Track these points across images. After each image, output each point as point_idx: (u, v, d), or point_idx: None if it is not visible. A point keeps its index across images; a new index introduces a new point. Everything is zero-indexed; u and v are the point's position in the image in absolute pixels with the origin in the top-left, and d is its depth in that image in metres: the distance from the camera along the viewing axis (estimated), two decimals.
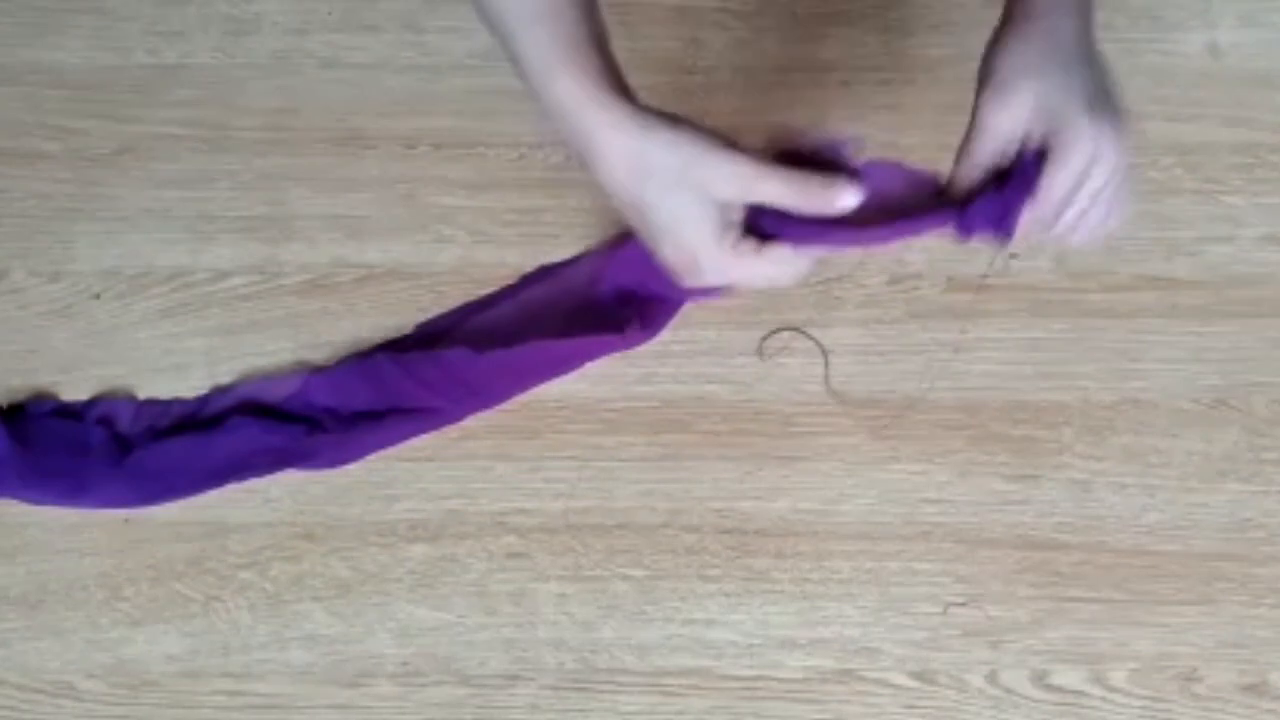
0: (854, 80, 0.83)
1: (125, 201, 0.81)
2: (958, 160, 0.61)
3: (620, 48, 0.82)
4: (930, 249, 0.78)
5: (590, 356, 0.76)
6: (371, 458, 0.75)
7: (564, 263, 0.79)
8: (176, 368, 0.77)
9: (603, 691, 0.71)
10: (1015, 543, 0.73)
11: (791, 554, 0.73)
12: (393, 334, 0.78)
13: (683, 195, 0.58)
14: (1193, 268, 0.78)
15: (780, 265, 0.60)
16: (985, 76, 0.60)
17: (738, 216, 0.59)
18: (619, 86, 0.59)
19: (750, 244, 0.59)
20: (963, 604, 0.72)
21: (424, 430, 0.75)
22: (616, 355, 0.76)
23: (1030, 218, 0.59)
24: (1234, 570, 0.72)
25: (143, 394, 0.77)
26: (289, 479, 0.74)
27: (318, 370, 0.76)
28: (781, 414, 0.75)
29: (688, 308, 0.77)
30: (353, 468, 0.75)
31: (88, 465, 0.74)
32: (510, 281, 0.79)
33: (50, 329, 0.78)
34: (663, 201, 0.58)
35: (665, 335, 0.77)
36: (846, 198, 0.58)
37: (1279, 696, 0.70)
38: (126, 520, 0.74)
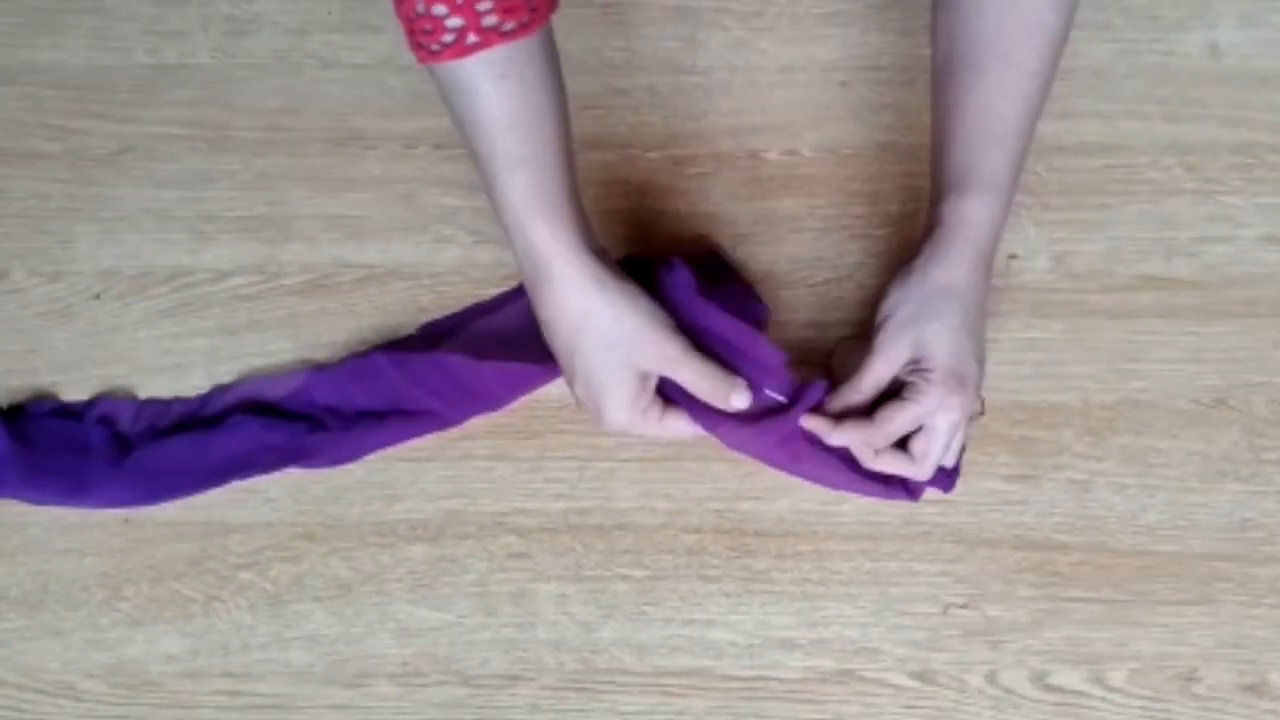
0: (854, 80, 0.83)
1: (125, 201, 0.81)
2: (853, 381, 0.68)
3: (620, 47, 0.83)
4: None
5: None
6: (371, 458, 0.75)
7: None
8: (176, 368, 0.77)
9: (603, 692, 0.71)
10: (1014, 543, 0.73)
11: (791, 554, 0.73)
12: (393, 334, 0.78)
13: (612, 358, 0.66)
14: (1192, 268, 0.78)
15: (670, 434, 0.69)
16: (889, 315, 0.67)
17: (653, 384, 0.68)
18: (587, 238, 0.66)
19: (656, 410, 0.68)
20: (962, 604, 0.72)
21: (425, 431, 0.75)
22: None
23: (859, 436, 0.67)
24: (1233, 570, 0.72)
25: (143, 394, 0.77)
26: (289, 479, 0.75)
27: (319, 368, 0.76)
28: None
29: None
30: (353, 468, 0.75)
31: (88, 465, 0.74)
32: (513, 283, 0.79)
33: (50, 329, 0.78)
34: (593, 356, 0.66)
35: None
36: (737, 400, 0.67)
37: (1279, 696, 0.70)
38: (126, 520, 0.74)
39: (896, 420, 0.67)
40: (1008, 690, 0.70)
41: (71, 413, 0.76)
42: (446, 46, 0.60)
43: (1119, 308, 0.77)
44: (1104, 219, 0.79)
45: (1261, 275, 0.78)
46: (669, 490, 0.74)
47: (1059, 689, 0.70)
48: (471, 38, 0.59)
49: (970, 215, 0.67)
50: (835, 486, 0.71)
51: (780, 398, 0.68)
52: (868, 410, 0.68)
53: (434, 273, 0.79)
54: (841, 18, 0.84)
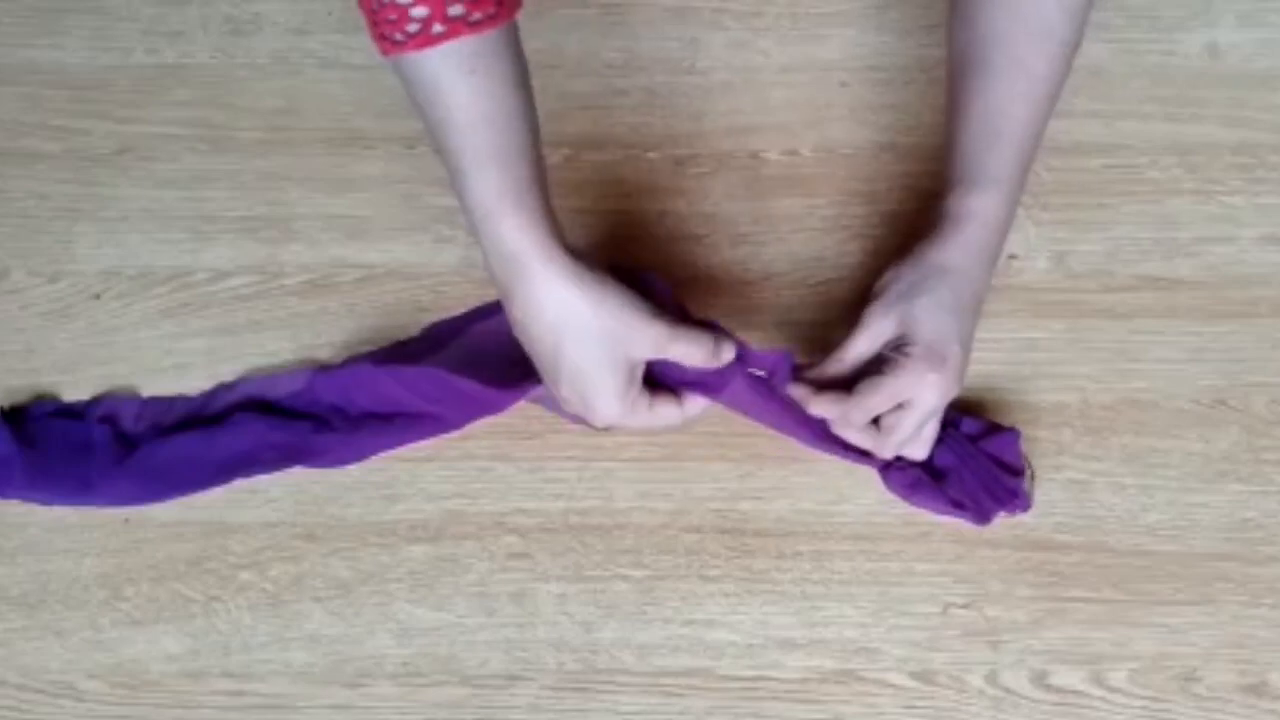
0: (854, 80, 0.83)
1: (125, 201, 0.81)
2: (837, 351, 0.69)
3: (620, 48, 0.83)
4: None
5: None
6: (372, 457, 0.75)
7: None
8: (177, 368, 0.77)
9: (603, 692, 0.71)
10: (1015, 543, 0.73)
11: (791, 554, 0.73)
12: (393, 334, 0.78)
13: (598, 350, 0.64)
14: (1192, 268, 0.78)
15: (660, 421, 0.68)
16: (880, 291, 0.69)
17: (640, 373, 0.66)
18: (556, 233, 0.64)
19: (645, 399, 0.67)
20: (962, 604, 0.72)
21: (431, 434, 0.74)
22: None
23: (838, 408, 0.68)
24: (1234, 570, 0.72)
25: (145, 394, 0.77)
26: (289, 479, 0.74)
27: (323, 368, 0.76)
28: None
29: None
30: (353, 468, 0.75)
31: (92, 464, 0.74)
32: None
33: (50, 329, 0.78)
34: (578, 351, 0.64)
35: None
36: (727, 353, 0.67)
37: (1279, 696, 0.70)
38: (126, 520, 0.74)
39: (872, 396, 0.67)
40: (1008, 690, 0.70)
41: (74, 413, 0.76)
42: (411, 36, 0.59)
43: (1119, 307, 0.77)
44: (1104, 219, 0.79)
45: (1261, 275, 0.78)
46: (669, 490, 0.74)
47: (1059, 689, 0.70)
48: (437, 27, 0.58)
49: (972, 207, 0.68)
50: (835, 453, 0.72)
51: (758, 372, 0.69)
52: (848, 385, 0.68)
53: (434, 273, 0.79)
54: (841, 18, 0.84)
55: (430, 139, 0.63)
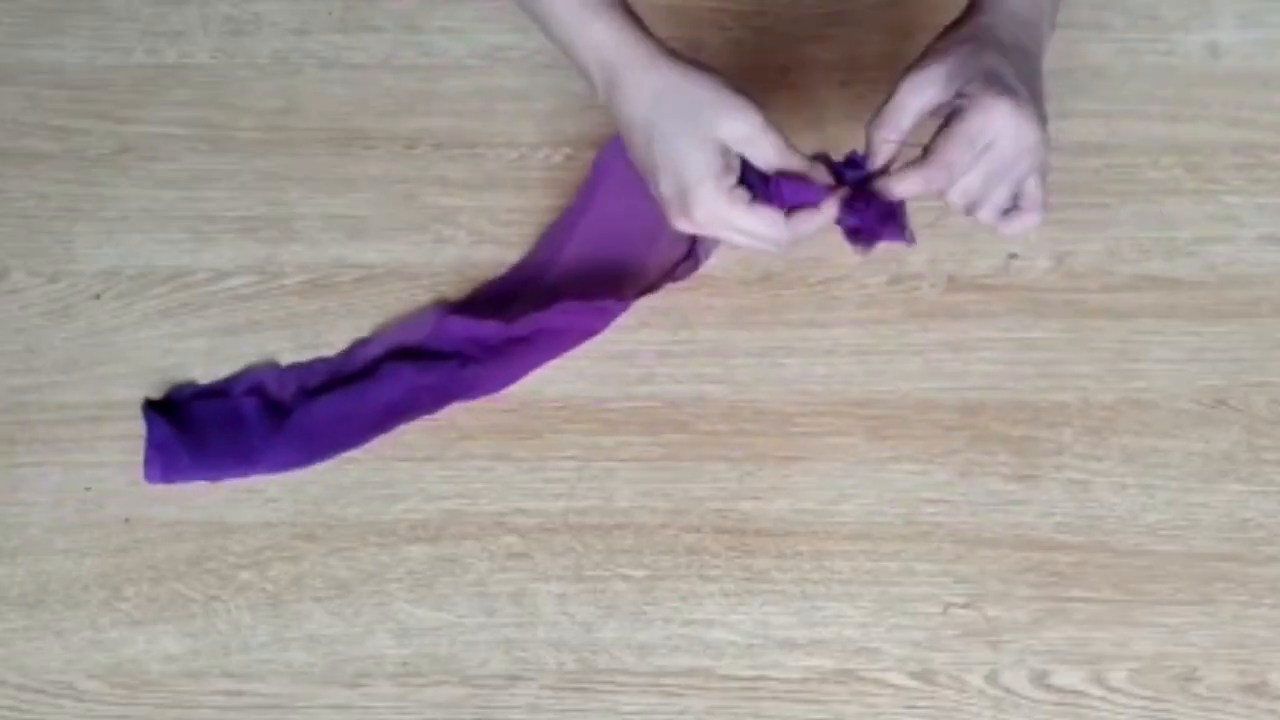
0: (854, 80, 0.83)
1: (125, 201, 0.81)
2: (873, 126, 0.65)
3: None
4: (930, 249, 0.78)
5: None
6: (372, 457, 0.75)
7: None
8: (177, 368, 0.77)
9: (603, 691, 0.71)
10: (1015, 543, 0.73)
11: (791, 554, 0.73)
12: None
13: (693, 133, 0.63)
14: (1193, 268, 0.78)
15: (764, 224, 0.65)
16: (915, 65, 0.65)
17: (737, 164, 0.65)
18: (645, 28, 0.66)
19: (744, 194, 0.64)
20: (962, 604, 0.72)
21: (569, 347, 0.76)
22: (617, 355, 0.77)
23: (920, 176, 0.63)
24: (1234, 570, 0.72)
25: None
26: (289, 479, 0.74)
27: (452, 307, 0.77)
28: (781, 414, 0.75)
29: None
30: (351, 468, 0.75)
31: (249, 436, 0.75)
32: None
33: (50, 329, 0.78)
34: (673, 133, 0.63)
35: (665, 335, 0.77)
36: (818, 172, 0.66)
37: (1279, 696, 0.70)
38: (127, 520, 0.74)
39: (948, 147, 0.62)
40: (1008, 690, 0.70)
41: (216, 392, 0.76)
42: None
43: (1119, 307, 0.77)
44: (1104, 218, 0.79)
45: (1262, 275, 0.78)
46: (669, 490, 0.74)
47: (1059, 689, 0.70)
48: None
49: None
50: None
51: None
52: None
53: (434, 273, 0.79)
54: (841, 18, 0.85)
55: None
